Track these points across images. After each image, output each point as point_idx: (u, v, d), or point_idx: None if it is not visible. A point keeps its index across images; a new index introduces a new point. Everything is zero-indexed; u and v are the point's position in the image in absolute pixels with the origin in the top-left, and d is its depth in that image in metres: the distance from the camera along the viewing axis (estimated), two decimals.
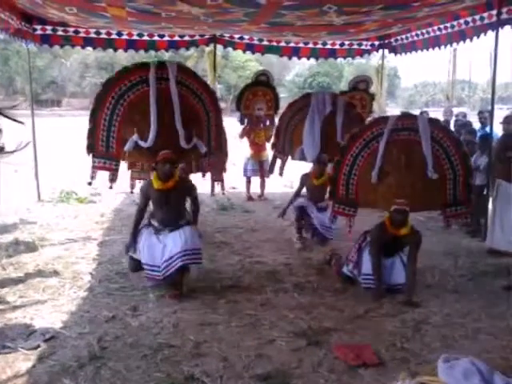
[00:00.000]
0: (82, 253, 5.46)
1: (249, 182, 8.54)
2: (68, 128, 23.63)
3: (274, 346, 3.52)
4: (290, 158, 7.03)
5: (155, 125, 4.51)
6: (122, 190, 8.81)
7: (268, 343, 3.55)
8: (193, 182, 4.66)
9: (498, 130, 6.52)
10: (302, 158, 6.57)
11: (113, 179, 4.85)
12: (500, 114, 8.86)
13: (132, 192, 5.83)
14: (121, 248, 5.55)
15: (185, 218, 4.38)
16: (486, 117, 7.01)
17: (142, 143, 4.57)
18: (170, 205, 4.24)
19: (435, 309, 4.18)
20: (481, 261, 5.41)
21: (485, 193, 6.19)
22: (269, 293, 4.45)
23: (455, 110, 11.73)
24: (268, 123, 8.28)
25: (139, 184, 5.87)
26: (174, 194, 4.22)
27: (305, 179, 5.96)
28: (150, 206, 4.49)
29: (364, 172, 4.71)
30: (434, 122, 4.84)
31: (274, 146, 7.19)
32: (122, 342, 3.51)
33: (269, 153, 8.45)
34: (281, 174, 7.25)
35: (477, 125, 7.66)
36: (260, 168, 8.34)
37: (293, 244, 5.91)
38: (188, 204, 4.66)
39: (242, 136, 8.31)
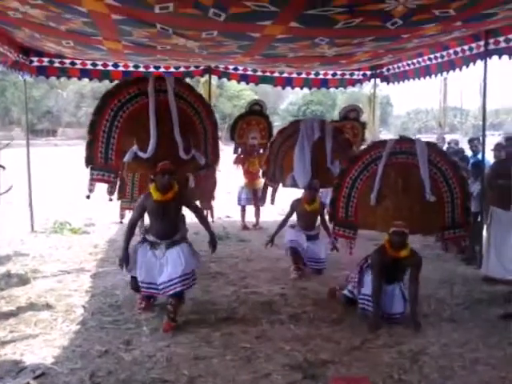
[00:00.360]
0: (75, 285, 5.39)
1: (243, 210, 8.54)
2: (63, 157, 23.69)
3: (269, 379, 3.46)
4: (281, 185, 7.02)
5: (155, 136, 4.51)
6: (115, 220, 8.82)
7: (263, 377, 3.48)
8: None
9: (490, 157, 6.60)
10: (294, 184, 6.56)
11: (111, 192, 4.84)
12: (492, 140, 8.97)
13: (121, 222, 5.80)
14: (114, 280, 5.52)
15: (180, 232, 4.36)
16: (476, 145, 7.09)
17: (141, 154, 4.54)
18: (169, 216, 4.21)
19: (432, 339, 4.13)
20: (476, 289, 5.38)
21: (479, 220, 6.21)
22: (264, 324, 4.39)
23: (448, 137, 11.88)
24: (262, 152, 8.34)
25: (129, 214, 5.87)
26: (172, 205, 4.20)
27: (296, 205, 5.95)
28: (145, 221, 4.50)
29: (363, 194, 4.76)
30: (431, 145, 4.91)
31: (264, 174, 7.21)
32: (114, 377, 3.44)
33: (262, 181, 8.51)
34: (272, 201, 7.25)
35: (469, 152, 7.74)
36: (254, 196, 8.36)
37: (288, 274, 5.86)
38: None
39: (235, 163, 8.35)
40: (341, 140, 6.62)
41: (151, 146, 4.50)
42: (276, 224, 8.35)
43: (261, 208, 8.52)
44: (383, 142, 4.91)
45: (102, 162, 4.52)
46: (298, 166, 6.41)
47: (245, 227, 8.45)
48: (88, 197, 4.68)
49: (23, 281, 5.43)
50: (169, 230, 4.25)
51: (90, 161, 4.52)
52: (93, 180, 4.59)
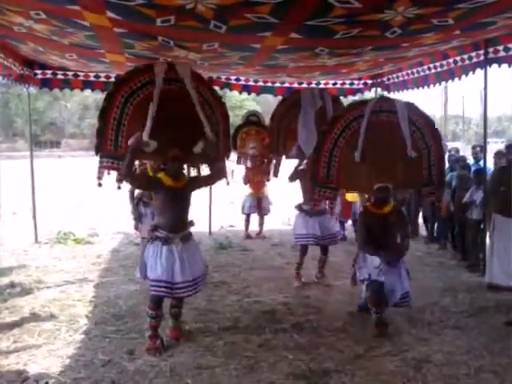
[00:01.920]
0: (78, 295, 5.41)
1: (247, 219, 8.54)
2: (66, 169, 23.83)
3: None
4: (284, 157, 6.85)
5: (149, 126, 4.33)
6: (119, 230, 8.86)
7: None
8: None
9: (491, 165, 6.62)
10: (299, 154, 6.40)
11: (120, 180, 4.76)
12: (495, 147, 8.99)
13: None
14: (118, 290, 5.55)
15: (190, 224, 4.25)
16: (477, 152, 7.11)
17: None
18: (181, 205, 4.13)
19: (436, 347, 4.12)
20: (480, 296, 5.37)
21: (482, 227, 6.21)
22: (267, 333, 4.39)
23: (449, 145, 11.91)
24: (266, 161, 8.39)
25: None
26: (184, 193, 4.14)
27: (302, 174, 5.77)
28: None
29: (345, 153, 4.71)
30: (409, 105, 4.91)
31: (267, 147, 7.05)
32: None
33: (268, 189, 8.53)
34: (276, 175, 7.11)
35: (471, 159, 7.75)
36: (258, 205, 8.39)
37: (291, 282, 5.86)
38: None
39: (246, 182, 8.39)
40: (340, 109, 6.54)
41: (145, 135, 4.38)
42: (280, 233, 8.38)
43: (265, 217, 8.55)
44: (364, 102, 4.91)
45: (112, 150, 4.33)
46: (303, 134, 6.24)
47: (248, 236, 8.46)
48: (100, 185, 4.61)
49: (27, 291, 5.46)
50: (180, 221, 4.13)
51: (99, 148, 4.34)
52: (102, 168, 4.47)
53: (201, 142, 4.51)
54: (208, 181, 4.49)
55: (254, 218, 8.61)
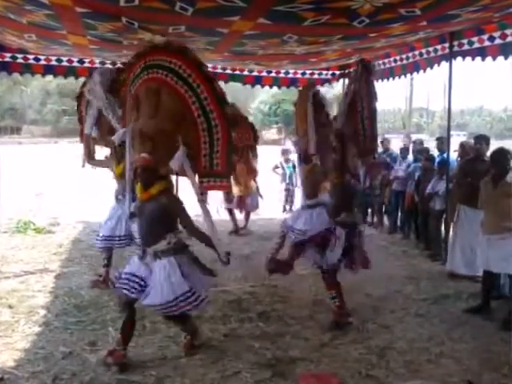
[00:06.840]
0: (38, 286, 5.24)
1: (231, 213, 8.18)
2: (27, 156, 23.06)
3: (238, 378, 3.44)
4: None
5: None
6: (81, 219, 8.64)
7: (232, 375, 3.46)
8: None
9: (454, 156, 6.76)
10: None
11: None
12: (458, 140, 9.22)
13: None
14: (80, 280, 5.40)
15: (166, 241, 3.54)
16: (439, 143, 7.26)
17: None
18: (146, 220, 3.58)
19: (399, 334, 4.19)
20: (442, 284, 5.50)
21: (444, 217, 6.34)
22: (233, 323, 4.37)
23: (413, 137, 12.19)
24: (251, 155, 8.05)
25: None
26: (150, 207, 3.54)
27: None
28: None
29: None
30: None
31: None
32: (78, 379, 3.36)
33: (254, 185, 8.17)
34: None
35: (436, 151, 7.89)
36: (241, 202, 8.06)
37: (258, 272, 5.84)
38: None
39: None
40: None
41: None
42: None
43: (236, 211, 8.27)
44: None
45: None
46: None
47: (236, 231, 8.12)
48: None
49: None
50: (147, 236, 3.58)
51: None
52: None
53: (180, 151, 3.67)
54: (183, 222, 3.70)
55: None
